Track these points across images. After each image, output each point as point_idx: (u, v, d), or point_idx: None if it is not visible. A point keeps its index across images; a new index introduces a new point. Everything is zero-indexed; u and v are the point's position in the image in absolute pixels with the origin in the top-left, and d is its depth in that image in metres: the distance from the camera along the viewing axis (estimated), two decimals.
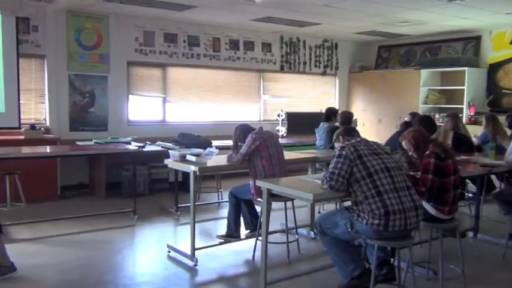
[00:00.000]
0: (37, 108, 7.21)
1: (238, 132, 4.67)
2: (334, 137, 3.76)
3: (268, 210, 3.69)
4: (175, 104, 8.46)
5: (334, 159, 3.22)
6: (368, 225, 3.10)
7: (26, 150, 5.81)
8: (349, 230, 3.24)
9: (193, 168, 4.28)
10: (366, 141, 3.38)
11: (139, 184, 6.96)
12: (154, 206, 6.46)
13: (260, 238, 4.36)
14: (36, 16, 6.94)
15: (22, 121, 6.83)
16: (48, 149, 6.18)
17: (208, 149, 4.61)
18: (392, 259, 3.67)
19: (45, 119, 7.26)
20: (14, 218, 5.54)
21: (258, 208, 4.85)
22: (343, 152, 3.22)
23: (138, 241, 5.21)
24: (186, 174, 6.97)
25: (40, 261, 4.39)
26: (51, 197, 6.65)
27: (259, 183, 3.69)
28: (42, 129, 6.92)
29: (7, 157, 5.20)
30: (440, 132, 6.04)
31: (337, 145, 3.59)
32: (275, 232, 5.00)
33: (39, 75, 7.15)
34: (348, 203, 3.52)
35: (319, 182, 3.39)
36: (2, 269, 3.87)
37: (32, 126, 6.79)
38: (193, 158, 4.38)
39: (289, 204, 4.57)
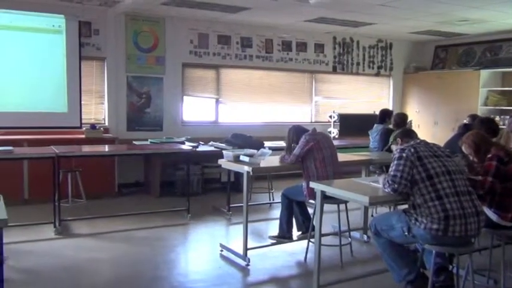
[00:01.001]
0: (97, 109, 7.51)
1: (292, 133, 4.66)
2: (391, 139, 3.68)
3: (322, 212, 3.66)
4: (227, 104, 8.56)
5: (395, 162, 3.16)
6: (426, 230, 3.02)
7: (86, 149, 6.09)
8: (405, 233, 3.17)
9: (246, 168, 4.31)
10: (426, 143, 3.30)
11: (192, 183, 7.08)
12: (207, 206, 6.56)
13: (312, 240, 4.35)
14: (98, 20, 7.23)
15: (83, 121, 7.15)
16: (107, 148, 6.43)
17: (262, 150, 4.63)
18: (450, 266, 3.55)
19: (104, 119, 7.55)
20: (75, 213, 5.80)
21: (310, 210, 4.84)
22: (404, 154, 3.14)
23: (191, 239, 5.32)
24: (238, 175, 7.10)
25: (98, 255, 4.57)
26: (109, 194, 6.89)
27: (313, 184, 3.68)
28: (102, 128, 7.20)
29: (69, 155, 5.44)
30: (502, 135, 5.78)
31: (394, 147, 3.51)
32: (328, 234, 4.95)
33: (99, 77, 7.45)
34: (402, 207, 3.43)
35: (375, 185, 3.33)
36: None
37: (92, 126, 7.08)
38: (246, 159, 4.42)
39: (341, 206, 4.52)
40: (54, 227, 5.17)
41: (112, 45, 7.38)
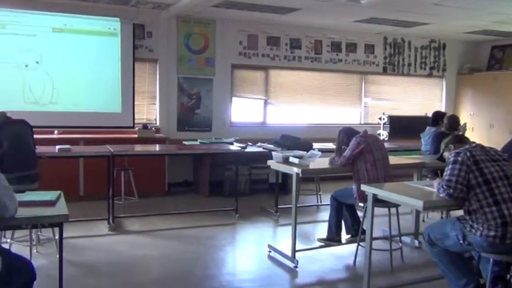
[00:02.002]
0: (149, 109, 7.70)
1: (342, 135, 4.61)
2: (443, 146, 3.57)
3: (373, 215, 3.60)
4: (276, 106, 8.58)
5: (450, 166, 3.07)
6: (482, 237, 2.91)
7: (138, 148, 6.27)
8: (461, 241, 3.07)
9: (296, 170, 4.31)
10: (482, 147, 3.18)
11: (240, 184, 7.12)
12: (255, 206, 6.59)
13: (362, 244, 4.30)
14: (151, 23, 7.43)
15: (135, 121, 7.35)
16: (158, 147, 6.59)
17: (311, 152, 4.61)
18: (508, 275, 3.41)
19: (155, 119, 7.74)
20: (127, 211, 5.98)
21: (359, 213, 4.78)
22: (459, 158, 3.05)
23: (240, 239, 5.36)
24: (285, 176, 7.09)
25: (149, 252, 4.69)
26: (160, 193, 7.05)
27: (364, 187, 3.63)
28: (153, 128, 7.39)
29: (123, 154, 5.62)
30: None
31: (447, 155, 3.41)
32: (378, 238, 4.86)
33: (151, 78, 7.64)
34: (455, 213, 3.32)
35: (429, 189, 3.24)
36: None
37: (144, 126, 7.28)
38: (296, 160, 4.41)
39: (392, 210, 4.43)
40: (108, 223, 5.35)
41: (164, 47, 7.55)
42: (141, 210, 6.05)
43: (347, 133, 4.59)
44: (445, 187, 3.04)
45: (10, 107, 5.52)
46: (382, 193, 3.45)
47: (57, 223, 2.60)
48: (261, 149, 6.76)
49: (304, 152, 4.66)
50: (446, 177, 3.06)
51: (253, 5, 6.78)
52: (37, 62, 6.66)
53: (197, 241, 5.06)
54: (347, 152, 4.39)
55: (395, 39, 9.37)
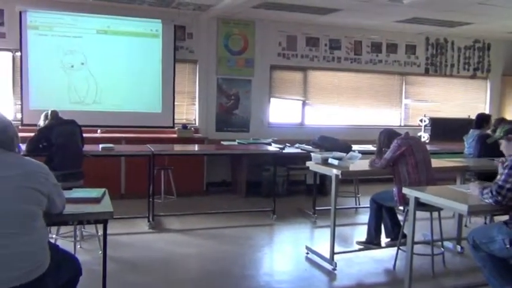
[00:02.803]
0: (188, 110, 7.81)
1: (383, 137, 4.55)
2: (500, 133, 3.31)
3: (414, 219, 3.53)
4: (314, 107, 8.54)
5: (506, 171, 2.94)
6: None
7: (178, 148, 6.36)
8: (507, 246, 2.97)
9: (335, 171, 4.28)
10: None
11: (277, 185, 7.12)
12: (292, 207, 6.57)
13: (402, 248, 4.22)
14: (191, 24, 7.53)
15: (175, 121, 7.46)
16: (197, 147, 6.67)
17: (351, 153, 4.56)
18: None
19: (195, 120, 7.84)
20: (167, 209, 6.08)
21: (399, 216, 4.69)
22: None
23: (277, 240, 5.36)
24: (323, 178, 7.05)
25: (188, 250, 4.75)
26: (198, 192, 7.13)
27: (406, 190, 3.56)
28: (192, 128, 7.49)
29: (164, 153, 5.72)
30: None
31: (503, 144, 3.24)
32: (419, 243, 4.76)
33: (191, 79, 7.75)
34: (498, 218, 3.21)
35: (474, 193, 3.15)
36: None
37: (184, 126, 7.38)
38: (335, 162, 4.38)
39: (433, 214, 4.33)
40: (148, 221, 5.45)
41: (204, 48, 7.64)
42: (180, 209, 6.14)
43: (388, 135, 4.52)
44: (494, 193, 2.94)
45: (56, 106, 5.66)
46: (425, 196, 3.38)
47: (102, 220, 2.67)
48: (299, 150, 6.73)
49: (344, 154, 4.61)
50: (499, 183, 2.95)
51: (293, 5, 6.77)
52: (82, 63, 6.86)
53: (235, 241, 5.09)
54: (388, 154, 4.32)
55: (437, 39, 9.16)
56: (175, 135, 7.22)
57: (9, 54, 6.75)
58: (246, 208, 6.35)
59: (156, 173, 6.06)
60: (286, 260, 4.69)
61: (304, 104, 8.47)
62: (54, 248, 2.34)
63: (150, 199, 5.49)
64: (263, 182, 7.23)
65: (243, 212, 6.17)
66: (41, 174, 2.22)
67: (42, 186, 2.19)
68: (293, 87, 8.40)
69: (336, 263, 4.25)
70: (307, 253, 4.65)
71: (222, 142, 7.19)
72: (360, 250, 4.66)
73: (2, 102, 6.63)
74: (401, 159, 4.27)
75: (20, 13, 6.55)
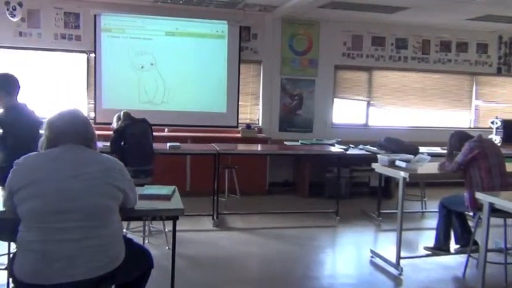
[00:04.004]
0: (252, 110, 7.88)
1: (454, 139, 4.37)
2: None
3: (488, 225, 3.37)
4: (379, 107, 8.36)
5: None
6: None
7: (242, 148, 6.44)
8: None
9: (403, 174, 4.17)
10: None
11: (340, 186, 7.04)
12: (355, 209, 6.47)
13: (473, 255, 4.05)
14: (256, 25, 7.59)
15: (239, 121, 7.55)
16: (260, 147, 6.72)
17: (420, 156, 4.43)
18: None
19: (258, 120, 7.90)
20: (230, 208, 6.17)
21: (469, 222, 4.51)
22: None
23: (340, 242, 5.31)
24: (387, 180, 6.89)
25: (251, 249, 4.81)
26: (261, 192, 7.19)
27: (479, 195, 3.41)
28: (256, 128, 7.56)
29: (229, 153, 5.82)
30: None
31: None
32: (492, 251, 4.54)
33: (255, 79, 7.82)
34: None
35: None
36: None
37: (248, 126, 7.46)
38: (403, 164, 4.27)
39: (507, 221, 4.11)
40: (213, 219, 5.56)
41: (268, 49, 7.68)
42: (243, 208, 6.21)
43: (459, 137, 4.34)
44: None
45: (127, 106, 5.96)
46: (500, 202, 3.22)
47: (173, 216, 2.75)
48: (363, 152, 6.61)
49: (412, 156, 4.49)
50: None
51: (359, 4, 6.66)
52: (151, 64, 7.11)
53: (298, 241, 5.09)
54: (459, 157, 4.16)
55: (511, 37, 8.69)
56: (239, 135, 7.32)
57: (83, 56, 7.11)
58: (309, 209, 6.32)
59: (220, 171, 6.16)
60: (350, 262, 4.63)
61: (368, 104, 8.31)
62: (128, 241, 2.44)
63: (215, 197, 5.59)
64: (326, 183, 7.16)
65: (305, 213, 6.16)
66: (117, 170, 2.32)
67: (118, 182, 2.29)
68: (357, 88, 8.26)
69: (402, 268, 4.15)
70: (372, 257, 4.56)
71: (285, 142, 7.20)
72: (427, 256, 4.51)
73: (77, 102, 6.99)
74: (473, 163, 4.09)
75: (95, 16, 6.88)
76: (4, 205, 2.30)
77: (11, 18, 6.47)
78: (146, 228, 4.77)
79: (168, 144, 5.58)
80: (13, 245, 3.57)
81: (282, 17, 7.54)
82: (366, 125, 8.33)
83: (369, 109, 8.32)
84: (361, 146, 6.85)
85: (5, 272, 3.54)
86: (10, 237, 3.28)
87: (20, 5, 6.49)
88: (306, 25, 7.79)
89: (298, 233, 5.45)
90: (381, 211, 5.95)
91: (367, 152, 6.50)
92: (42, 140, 2.34)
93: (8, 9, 6.41)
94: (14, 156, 2.36)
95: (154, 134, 5.25)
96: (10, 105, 3.52)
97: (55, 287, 2.10)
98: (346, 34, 8.01)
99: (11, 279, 2.31)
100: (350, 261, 4.67)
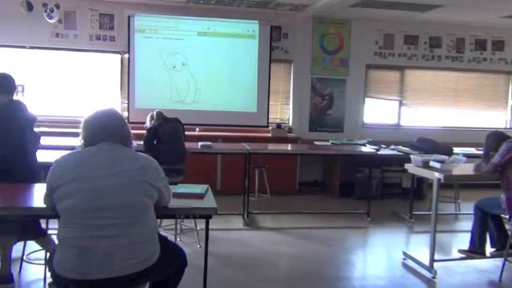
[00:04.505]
0: (282, 109, 7.88)
1: (491, 140, 4.27)
2: None
3: None
4: (411, 107, 8.23)
5: None
6: None
7: (272, 147, 6.44)
8: None
9: (437, 175, 4.09)
10: None
11: (371, 187, 6.97)
12: (387, 211, 6.39)
13: (509, 259, 3.95)
14: (287, 24, 7.59)
15: (269, 120, 7.56)
16: (290, 147, 6.71)
17: (454, 156, 4.33)
18: None
19: (288, 119, 7.89)
20: (260, 207, 6.19)
21: (506, 225, 4.40)
22: None
23: (371, 243, 5.25)
24: (420, 181, 6.78)
25: (281, 249, 4.81)
26: (291, 192, 7.17)
27: None
28: (286, 128, 7.55)
29: (260, 152, 5.83)
30: None
31: None
32: None
33: (286, 79, 7.81)
34: None
35: None
36: None
37: (278, 125, 7.46)
38: (437, 165, 4.18)
39: None
40: (243, 218, 5.59)
41: (299, 48, 7.66)
42: (273, 207, 6.22)
43: (496, 138, 4.24)
44: None
45: (159, 105, 6.05)
46: None
47: (206, 215, 2.77)
48: (395, 152, 6.52)
49: (446, 157, 4.40)
50: None
51: (392, 3, 6.58)
52: (183, 64, 7.19)
53: (328, 242, 5.06)
54: (496, 158, 4.05)
55: None
56: (269, 135, 7.33)
57: (117, 56, 7.25)
58: (339, 209, 6.29)
59: (250, 171, 6.18)
60: (381, 264, 4.57)
61: (400, 104, 8.20)
62: (163, 239, 2.47)
63: (245, 196, 5.62)
64: (356, 183, 7.10)
65: (336, 213, 6.12)
66: (153, 168, 2.37)
67: (154, 180, 2.33)
68: (389, 87, 8.16)
69: (435, 271, 4.07)
70: (404, 259, 4.49)
71: (315, 142, 7.17)
72: (461, 259, 4.42)
73: (111, 102, 7.13)
74: (510, 164, 3.99)
75: (129, 17, 7.00)
76: (44, 202, 2.37)
77: (48, 20, 6.66)
78: (178, 226, 4.84)
79: (200, 143, 5.63)
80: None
81: (312, 16, 7.51)
82: (397, 125, 8.22)
83: (401, 109, 8.20)
84: (392, 147, 6.76)
85: (42, 267, 3.67)
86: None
87: (58, 6, 6.67)
88: (337, 24, 7.74)
89: (328, 233, 5.42)
90: (413, 212, 5.85)
91: (399, 153, 6.40)
92: (80, 139, 2.40)
93: (45, 11, 6.59)
94: None
95: (186, 133, 5.31)
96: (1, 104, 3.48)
97: (93, 283, 2.15)
98: (378, 33, 7.92)
99: (49, 274, 2.39)
100: (381, 262, 4.62)
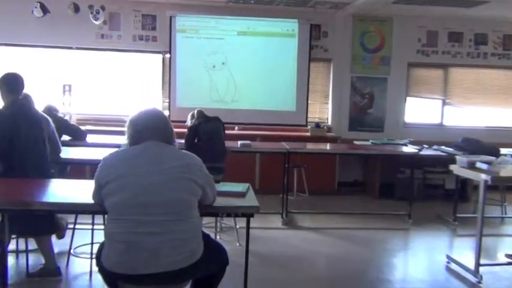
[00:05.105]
0: (321, 108, 7.82)
1: None
2: None
3: None
4: (455, 106, 8.01)
5: None
6: None
7: (311, 147, 6.40)
8: None
9: (484, 177, 3.96)
10: None
11: (413, 188, 6.81)
12: (429, 212, 6.24)
13: None
14: (327, 22, 7.52)
15: (308, 119, 7.51)
16: (330, 146, 6.65)
17: (503, 158, 4.20)
18: None
19: (327, 119, 7.83)
20: (299, 207, 6.17)
21: None
22: None
23: (413, 246, 5.15)
24: (463, 183, 6.58)
25: (320, 249, 4.78)
26: (329, 191, 7.11)
27: None
28: (325, 127, 7.49)
29: (299, 151, 5.81)
30: None
31: None
32: None
33: (325, 78, 7.75)
34: None
35: None
36: (46, 270, 3.65)
37: (317, 125, 7.41)
38: (484, 166, 4.06)
39: None
40: (282, 217, 5.58)
41: (338, 47, 7.59)
42: (311, 207, 6.20)
43: None
44: None
45: (199, 104, 6.11)
46: None
47: (249, 214, 2.78)
48: (438, 152, 6.35)
49: (493, 158, 4.26)
50: None
51: None
52: (223, 63, 7.25)
53: (368, 243, 5.00)
54: None
55: None
56: (308, 134, 7.30)
57: (159, 56, 7.37)
58: (380, 210, 6.19)
59: (289, 170, 6.17)
60: (424, 267, 4.48)
61: (443, 103, 7.99)
62: (206, 237, 2.50)
63: (284, 196, 5.61)
64: (397, 184, 6.96)
65: (376, 214, 6.02)
66: (197, 166, 2.39)
67: (198, 178, 2.35)
68: (432, 86, 7.97)
69: (481, 276, 3.94)
70: (448, 262, 4.38)
71: (354, 142, 7.07)
72: (508, 264, 4.29)
73: (153, 101, 7.26)
74: None
75: (170, 18, 7.11)
76: (93, 198, 2.44)
77: (94, 21, 6.85)
78: (217, 224, 4.88)
79: (239, 142, 5.66)
80: (96, 235, 3.81)
81: (353, 13, 7.41)
82: (440, 124, 8.02)
83: (444, 108, 7.99)
84: (435, 147, 6.59)
85: (88, 261, 3.79)
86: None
87: (103, 8, 6.85)
88: (378, 21, 7.61)
89: (368, 234, 5.35)
90: (457, 215, 5.69)
91: (442, 153, 6.23)
92: (125, 138, 2.46)
93: (91, 13, 6.78)
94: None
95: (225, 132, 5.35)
96: (11, 102, 3.55)
97: (139, 278, 2.20)
98: (420, 30, 7.74)
99: (96, 268, 2.45)
100: (424, 266, 4.52)
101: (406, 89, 7.86)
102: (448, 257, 4.42)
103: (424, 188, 7.10)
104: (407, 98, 7.90)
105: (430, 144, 6.71)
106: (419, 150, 6.28)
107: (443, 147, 6.43)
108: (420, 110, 7.99)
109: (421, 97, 7.97)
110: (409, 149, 6.27)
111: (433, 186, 7.20)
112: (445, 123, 8.02)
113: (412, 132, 7.64)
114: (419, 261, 4.64)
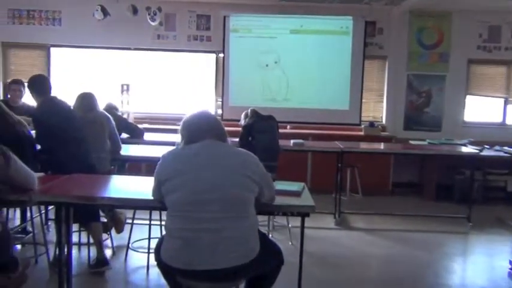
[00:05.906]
0: (376, 107, 7.66)
1: None
2: None
3: None
4: None
5: None
6: None
7: (365, 146, 6.28)
8: None
9: None
10: None
11: (472, 190, 6.55)
12: (489, 216, 5.98)
13: None
14: (382, 19, 7.36)
15: (362, 118, 7.39)
16: (384, 146, 6.50)
17: None
18: None
19: (382, 117, 7.66)
20: (352, 207, 6.06)
21: None
22: None
23: (473, 250, 4.96)
24: None
25: (374, 251, 4.68)
26: (383, 192, 6.96)
27: None
28: (379, 126, 7.34)
29: (353, 151, 5.72)
30: None
31: None
32: None
33: (379, 76, 7.59)
34: None
35: None
36: (95, 260, 3.75)
37: (371, 124, 7.25)
38: None
39: None
40: (334, 217, 5.51)
41: (394, 44, 7.40)
42: (364, 207, 6.07)
43: None
44: None
45: (251, 103, 6.15)
46: None
47: (304, 213, 2.77)
48: (500, 153, 6.07)
49: None
50: None
51: None
52: (275, 62, 7.25)
53: (425, 246, 4.84)
54: None
55: None
56: (361, 133, 7.17)
57: (213, 56, 7.47)
58: (436, 213, 5.97)
59: (342, 170, 6.09)
60: (485, 273, 4.28)
61: (506, 101, 7.63)
62: (263, 236, 2.50)
63: (337, 196, 5.54)
64: (455, 186, 6.72)
65: (433, 217, 5.82)
66: (254, 163, 2.40)
67: (254, 175, 2.36)
68: (494, 83, 7.63)
69: None
70: (511, 268, 4.18)
71: (410, 141, 6.89)
72: None
73: (206, 100, 7.37)
74: None
75: (224, 18, 7.19)
76: (153, 194, 2.50)
77: (151, 23, 7.03)
78: (270, 222, 4.88)
79: (292, 141, 5.64)
80: (153, 231, 3.92)
81: (409, 9, 7.20)
82: (502, 124, 7.66)
83: (507, 107, 7.62)
84: (497, 147, 6.32)
85: (145, 255, 3.89)
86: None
87: (160, 9, 7.02)
88: (436, 17, 7.36)
89: (424, 237, 5.19)
90: None
91: (505, 154, 5.97)
92: (180, 140, 2.49)
93: (149, 14, 6.97)
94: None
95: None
96: (42, 101, 3.69)
97: (196, 273, 2.24)
98: (481, 25, 7.41)
99: (155, 262, 2.52)
100: (485, 271, 4.32)
101: (466, 87, 7.56)
102: (511, 262, 4.22)
103: (484, 190, 6.81)
104: (467, 97, 7.60)
105: (492, 145, 6.45)
106: (480, 150, 6.03)
107: (505, 147, 6.16)
108: (481, 109, 7.67)
109: (482, 95, 7.65)
110: (469, 149, 6.03)
111: (493, 189, 6.91)
112: (507, 122, 7.65)
113: (471, 132, 7.35)
114: (480, 267, 4.45)
